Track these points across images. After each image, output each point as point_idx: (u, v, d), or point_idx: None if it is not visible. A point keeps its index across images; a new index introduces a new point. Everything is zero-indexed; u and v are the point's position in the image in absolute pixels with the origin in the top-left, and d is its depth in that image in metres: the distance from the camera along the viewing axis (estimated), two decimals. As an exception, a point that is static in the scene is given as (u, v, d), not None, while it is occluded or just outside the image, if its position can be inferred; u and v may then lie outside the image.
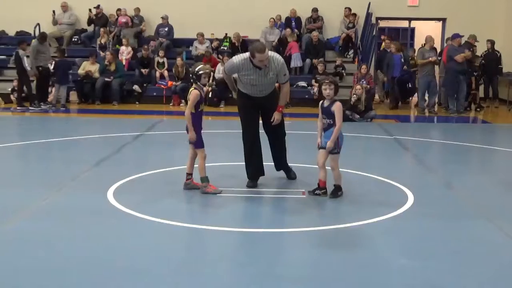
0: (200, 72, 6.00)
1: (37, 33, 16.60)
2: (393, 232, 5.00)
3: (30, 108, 13.50)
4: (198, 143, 6.04)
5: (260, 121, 6.54)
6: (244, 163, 6.48)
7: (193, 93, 5.99)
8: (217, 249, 4.53)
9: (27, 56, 13.70)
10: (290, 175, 6.74)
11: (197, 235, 4.88)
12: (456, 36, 13.75)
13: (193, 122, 5.99)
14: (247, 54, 6.16)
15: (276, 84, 6.52)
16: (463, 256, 4.46)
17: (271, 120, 6.30)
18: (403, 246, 4.69)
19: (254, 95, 6.31)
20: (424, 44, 14.54)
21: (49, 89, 14.21)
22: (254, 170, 6.42)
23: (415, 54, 15.16)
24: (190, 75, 6.12)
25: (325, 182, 5.92)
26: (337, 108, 5.75)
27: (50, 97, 14.05)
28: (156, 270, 4.03)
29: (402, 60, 14.11)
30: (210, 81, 14.85)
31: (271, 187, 6.33)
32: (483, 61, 14.90)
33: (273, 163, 6.73)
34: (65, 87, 14.07)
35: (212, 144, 9.64)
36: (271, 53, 6.22)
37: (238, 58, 6.25)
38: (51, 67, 13.90)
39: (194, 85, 6.05)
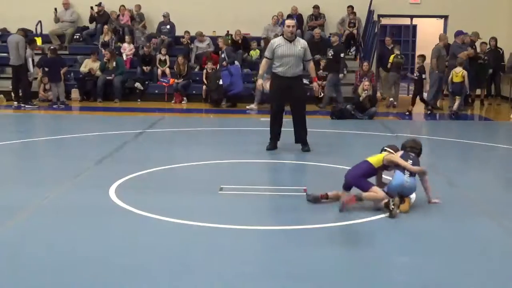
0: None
1: (38, 31, 16.64)
2: (394, 230, 5.00)
3: (27, 106, 13.49)
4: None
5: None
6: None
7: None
8: (219, 247, 4.53)
9: (35, 54, 13.64)
10: (305, 148, 8.07)
11: (198, 233, 4.87)
12: (459, 33, 13.67)
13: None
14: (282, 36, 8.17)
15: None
16: (465, 254, 4.46)
17: (299, 99, 8.15)
18: (405, 244, 4.69)
19: (286, 74, 7.90)
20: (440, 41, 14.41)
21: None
22: (274, 134, 8.10)
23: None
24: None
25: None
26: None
27: (50, 96, 14.07)
28: (157, 268, 4.04)
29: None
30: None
31: (272, 185, 6.33)
32: (485, 58, 14.84)
33: (273, 162, 6.86)
34: (60, 84, 14.04)
35: (213, 142, 9.69)
36: (299, 38, 8.25)
37: (274, 38, 8.57)
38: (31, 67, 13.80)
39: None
